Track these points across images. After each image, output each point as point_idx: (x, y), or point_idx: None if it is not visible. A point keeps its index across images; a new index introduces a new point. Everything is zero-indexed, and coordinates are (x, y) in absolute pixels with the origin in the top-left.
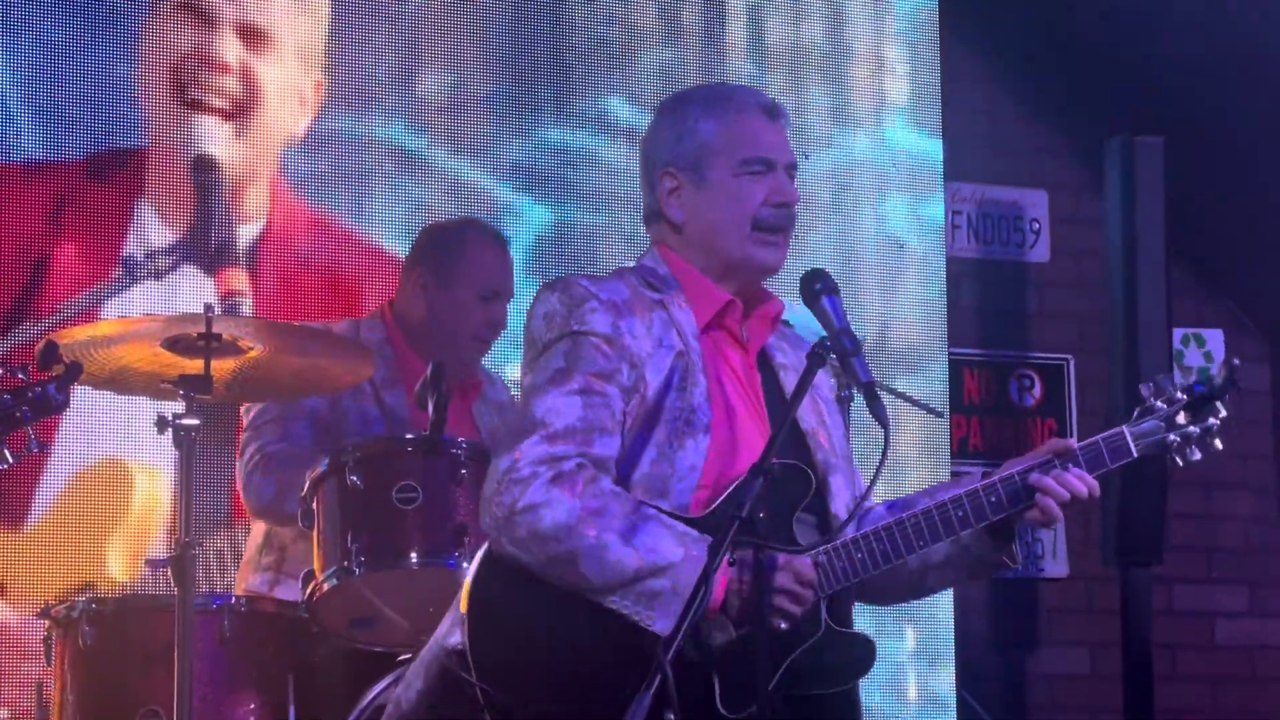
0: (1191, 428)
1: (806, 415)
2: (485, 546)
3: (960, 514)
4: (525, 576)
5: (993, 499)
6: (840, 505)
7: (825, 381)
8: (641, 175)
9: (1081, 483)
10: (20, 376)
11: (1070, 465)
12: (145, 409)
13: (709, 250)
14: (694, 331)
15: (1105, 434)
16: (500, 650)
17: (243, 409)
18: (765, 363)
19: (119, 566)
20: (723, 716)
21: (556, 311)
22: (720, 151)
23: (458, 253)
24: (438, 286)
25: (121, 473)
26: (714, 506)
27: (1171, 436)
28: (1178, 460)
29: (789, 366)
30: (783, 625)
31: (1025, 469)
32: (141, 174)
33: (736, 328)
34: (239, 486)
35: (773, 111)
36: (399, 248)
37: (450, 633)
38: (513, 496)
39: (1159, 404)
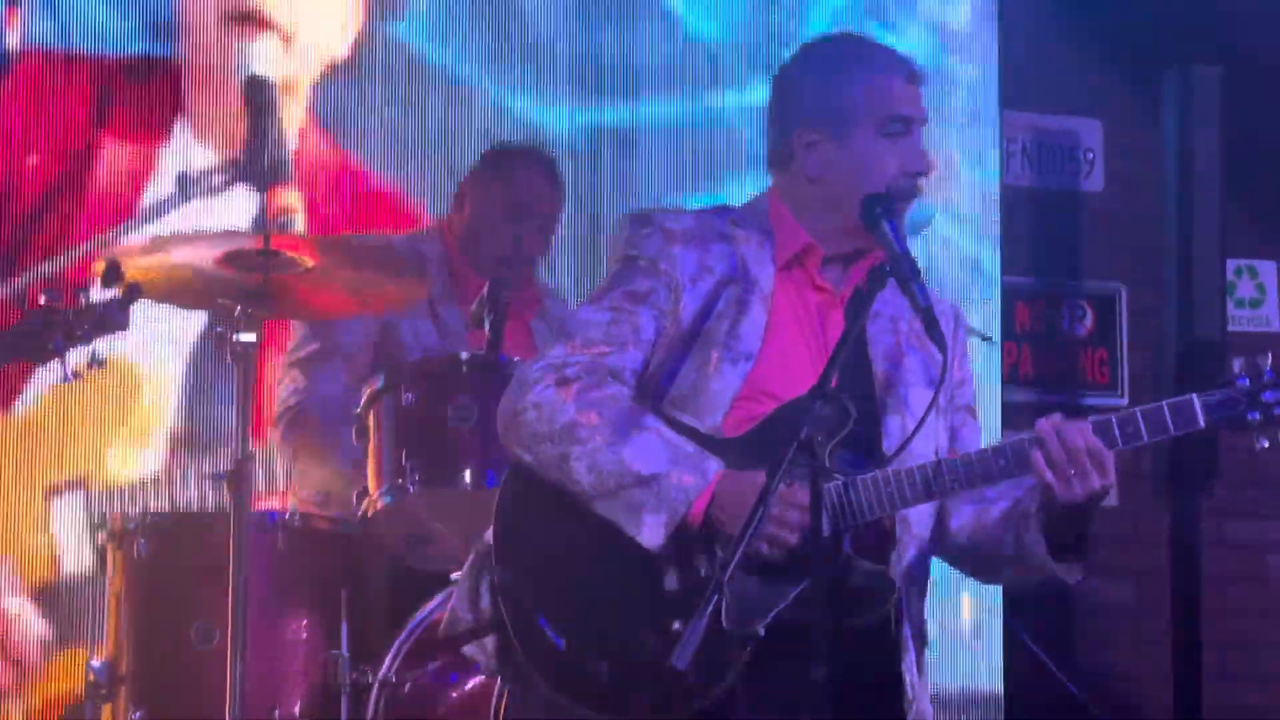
0: (1278, 409)
1: (880, 353)
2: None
3: (1001, 462)
4: (549, 486)
5: (1036, 450)
6: (894, 444)
7: (947, 319)
8: (772, 118)
9: (1080, 436)
10: (81, 296)
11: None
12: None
13: (837, 208)
14: (769, 269)
15: (1172, 400)
16: (522, 545)
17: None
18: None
19: (118, 465)
20: (728, 631)
21: (622, 238)
22: (864, 111)
23: (495, 170)
24: (475, 202)
25: (128, 375)
26: (750, 430)
27: (1253, 414)
28: (1262, 442)
29: (881, 314)
30: (764, 549)
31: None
32: (179, 87)
33: (816, 271)
34: (274, 417)
35: (913, 75)
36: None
37: (486, 529)
38: (516, 397)
39: (1244, 379)
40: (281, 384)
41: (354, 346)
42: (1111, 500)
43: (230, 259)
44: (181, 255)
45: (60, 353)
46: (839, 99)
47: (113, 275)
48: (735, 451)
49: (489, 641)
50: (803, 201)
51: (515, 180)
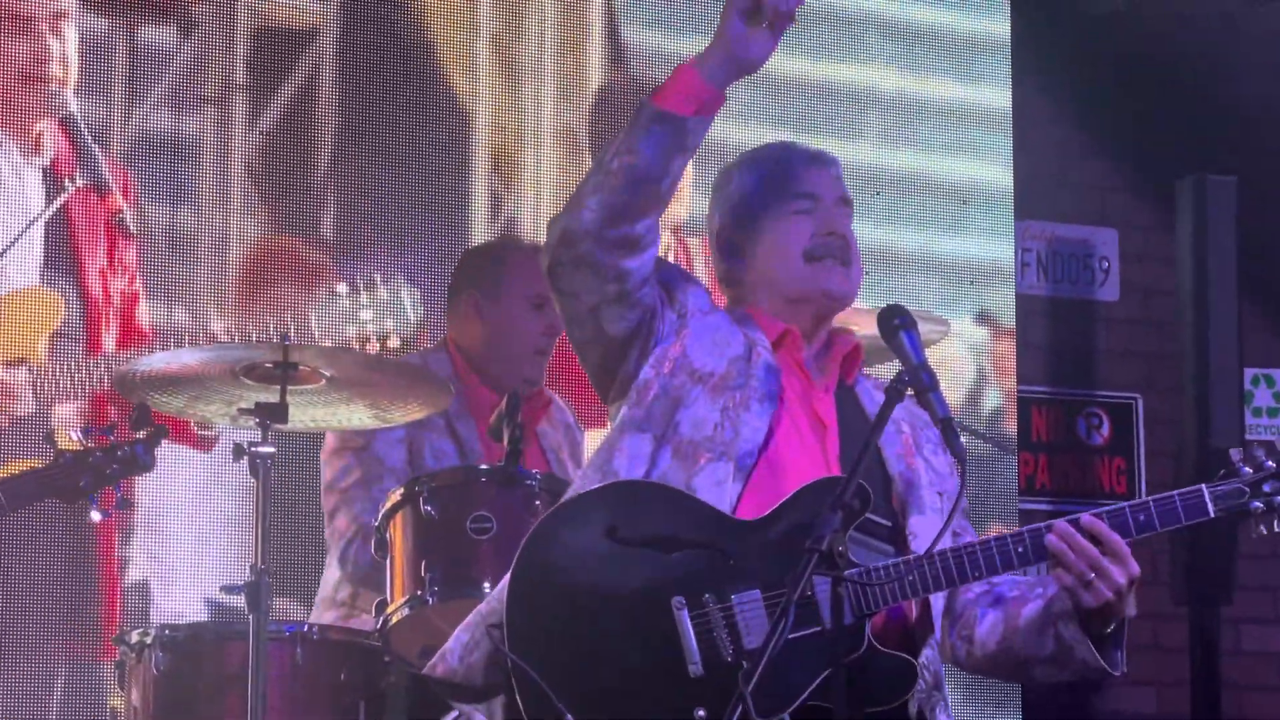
0: (1278, 498)
1: (893, 455)
2: (531, 530)
3: (1020, 549)
4: (565, 564)
5: (1059, 570)
6: (920, 545)
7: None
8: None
9: (1091, 541)
10: (110, 437)
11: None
12: None
13: (773, 290)
14: (766, 341)
15: (1183, 490)
16: (538, 616)
17: (322, 459)
18: (853, 401)
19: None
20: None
21: None
22: (767, 197)
23: (501, 265)
24: (490, 303)
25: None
26: (770, 512)
27: (1255, 503)
28: (1261, 529)
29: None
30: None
31: (1094, 513)
32: None
33: (799, 354)
34: (333, 554)
35: (818, 158)
36: None
37: (496, 605)
38: None
39: (1245, 469)
40: (335, 517)
41: (397, 465)
42: (1130, 610)
43: (247, 371)
44: (200, 368)
45: (89, 492)
46: (740, 198)
47: (142, 418)
48: (756, 532)
49: (497, 709)
50: (760, 300)
51: (530, 266)
